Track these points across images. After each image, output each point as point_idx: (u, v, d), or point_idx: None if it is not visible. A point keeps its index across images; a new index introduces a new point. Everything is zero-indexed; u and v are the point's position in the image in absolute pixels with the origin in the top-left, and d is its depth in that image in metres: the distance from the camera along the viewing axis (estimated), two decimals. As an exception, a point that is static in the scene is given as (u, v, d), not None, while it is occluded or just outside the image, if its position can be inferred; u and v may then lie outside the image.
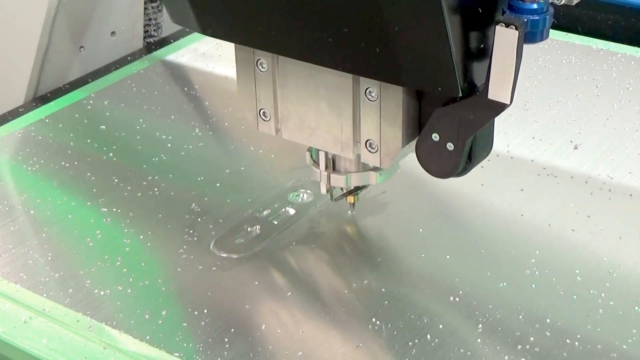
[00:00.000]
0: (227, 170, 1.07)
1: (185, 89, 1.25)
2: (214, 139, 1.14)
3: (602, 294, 0.88)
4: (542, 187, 1.03)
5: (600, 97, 1.20)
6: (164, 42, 1.37)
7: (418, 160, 0.82)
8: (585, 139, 1.11)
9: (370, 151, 0.84)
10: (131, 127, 1.16)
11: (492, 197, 1.01)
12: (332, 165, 0.90)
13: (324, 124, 0.85)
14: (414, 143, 0.83)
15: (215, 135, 1.15)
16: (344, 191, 0.94)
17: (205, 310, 0.87)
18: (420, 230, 0.97)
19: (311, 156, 0.91)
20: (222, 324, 0.86)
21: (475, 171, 0.98)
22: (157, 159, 1.09)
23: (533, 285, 0.89)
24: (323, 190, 0.91)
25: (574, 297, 0.88)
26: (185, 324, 0.86)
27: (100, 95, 1.23)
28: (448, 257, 0.93)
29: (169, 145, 1.12)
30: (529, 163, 1.07)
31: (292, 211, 1.00)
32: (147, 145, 1.12)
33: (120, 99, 1.22)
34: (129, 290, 0.90)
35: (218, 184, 1.05)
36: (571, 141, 1.11)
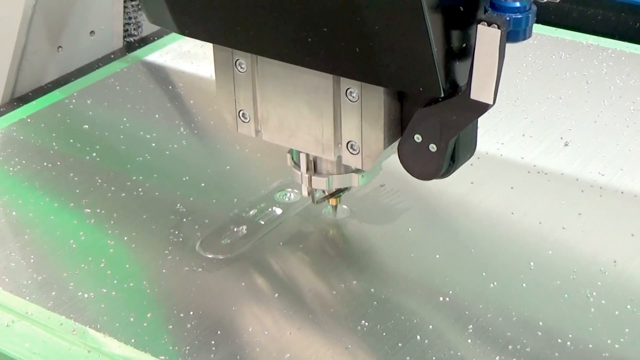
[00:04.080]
0: (213, 170, 1.07)
1: (170, 87, 1.25)
2: (198, 138, 1.14)
3: (594, 293, 0.88)
4: (533, 185, 1.03)
5: (590, 93, 1.20)
6: (144, 41, 1.36)
7: (400, 161, 0.82)
8: (576, 136, 1.11)
9: (351, 153, 0.84)
10: (114, 127, 1.15)
11: (481, 195, 1.01)
12: (314, 167, 0.90)
13: (304, 126, 0.85)
14: (396, 144, 0.83)
15: (200, 134, 1.14)
16: (326, 193, 0.93)
17: (191, 313, 0.87)
18: (410, 229, 0.97)
19: (292, 158, 0.91)
20: (209, 326, 0.86)
21: (465, 169, 0.98)
22: (141, 158, 1.09)
23: (524, 285, 0.89)
24: (304, 192, 0.91)
25: (566, 296, 0.88)
26: (171, 327, 0.86)
27: (83, 94, 1.23)
28: (437, 256, 0.93)
29: (153, 144, 1.12)
30: (519, 160, 1.07)
31: (279, 211, 1.00)
32: (131, 145, 1.12)
33: (103, 98, 1.22)
34: (114, 293, 0.90)
35: (203, 184, 1.04)
36: (561, 138, 1.11)
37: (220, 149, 1.12)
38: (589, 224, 0.97)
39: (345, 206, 0.99)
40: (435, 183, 0.98)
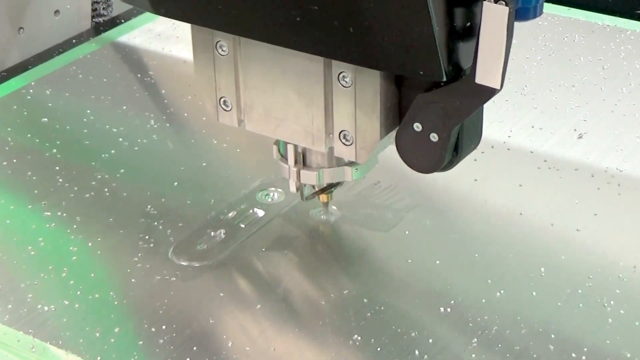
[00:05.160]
0: (187, 167, 1.07)
1: (139, 75, 1.25)
2: (171, 132, 1.14)
3: (612, 302, 0.88)
4: (543, 182, 1.03)
5: (607, 79, 1.20)
6: (114, 22, 1.36)
7: (398, 153, 0.82)
8: (591, 127, 1.12)
9: (344, 144, 0.84)
10: (77, 120, 1.15)
11: (486, 193, 1.02)
12: (302, 160, 0.90)
13: (292, 114, 0.85)
14: (393, 134, 0.83)
15: (173, 127, 1.14)
16: (316, 189, 0.94)
17: (164, 327, 0.87)
18: (407, 232, 0.97)
19: (279, 150, 0.91)
20: (184, 342, 0.86)
21: (468, 165, 0.98)
22: (107, 155, 1.09)
23: (534, 293, 0.90)
24: (292, 188, 0.92)
25: (580, 305, 0.88)
26: (141, 342, 0.86)
27: (42, 83, 1.22)
28: (438, 262, 0.93)
29: (121, 139, 1.12)
30: (528, 155, 1.07)
31: (261, 212, 1.00)
32: (96, 140, 1.12)
33: (64, 88, 1.21)
34: (77, 305, 0.90)
35: (177, 183, 1.04)
36: (575, 130, 1.11)
37: (195, 144, 1.12)
38: (605, 225, 0.97)
39: (334, 207, 0.99)
40: (435, 180, 0.98)
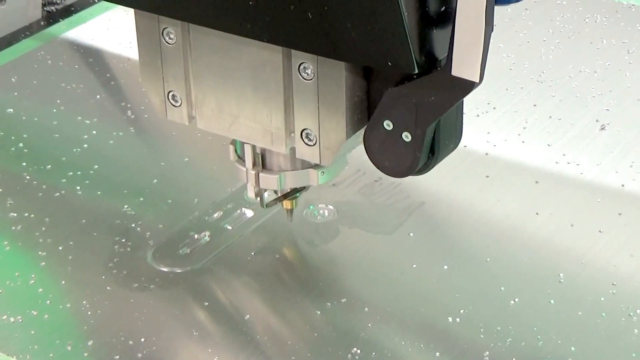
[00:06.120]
0: (168, 163, 1.07)
1: (115, 61, 1.25)
2: (150, 124, 1.14)
3: (638, 311, 0.89)
4: (562, 179, 1.03)
5: (632, 65, 1.20)
6: (68, 11, 1.35)
7: (367, 154, 0.81)
8: (615, 118, 1.12)
9: (307, 144, 0.84)
10: (46, 110, 1.15)
11: (499, 191, 1.02)
12: (262, 162, 0.89)
13: (248, 110, 0.85)
14: (362, 133, 0.82)
15: (152, 119, 1.14)
16: (279, 194, 0.93)
17: (143, 339, 0.87)
18: (411, 234, 0.97)
19: (236, 151, 0.91)
20: (164, 356, 0.86)
21: (479, 160, 0.98)
22: (79, 149, 1.09)
23: (552, 301, 0.90)
24: (251, 193, 0.91)
25: (603, 315, 0.88)
26: (117, 357, 0.86)
27: (7, 69, 1.22)
28: (445, 267, 0.93)
29: (94, 132, 1.12)
30: (544, 149, 1.07)
31: (249, 213, 1.00)
32: (67, 133, 1.12)
33: (31, 75, 1.21)
34: (46, 316, 0.90)
35: (156, 181, 1.04)
36: (597, 121, 1.11)
37: (176, 137, 1.12)
38: (631, 226, 0.97)
39: (331, 206, 0.99)
40: (442, 176, 0.98)
